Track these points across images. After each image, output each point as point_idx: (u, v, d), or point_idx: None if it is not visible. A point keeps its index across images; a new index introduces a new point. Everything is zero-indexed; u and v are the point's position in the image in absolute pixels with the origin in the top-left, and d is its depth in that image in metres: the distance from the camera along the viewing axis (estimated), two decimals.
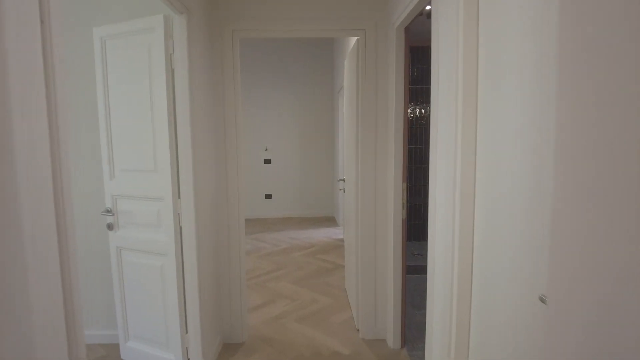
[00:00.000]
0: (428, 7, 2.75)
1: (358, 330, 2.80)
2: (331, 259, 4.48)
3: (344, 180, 3.52)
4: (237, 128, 2.73)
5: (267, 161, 6.63)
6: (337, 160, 6.15)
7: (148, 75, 2.09)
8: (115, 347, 2.55)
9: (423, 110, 4.70)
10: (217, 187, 2.72)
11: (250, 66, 6.46)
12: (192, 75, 2.10)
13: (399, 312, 2.60)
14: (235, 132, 2.73)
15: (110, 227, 2.35)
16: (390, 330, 2.65)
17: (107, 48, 2.20)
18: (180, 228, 2.16)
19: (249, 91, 6.50)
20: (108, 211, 2.32)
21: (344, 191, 3.51)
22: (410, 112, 4.66)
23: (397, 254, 2.56)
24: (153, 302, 2.30)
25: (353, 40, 4.01)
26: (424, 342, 2.42)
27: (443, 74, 1.58)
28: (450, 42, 1.49)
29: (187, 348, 2.24)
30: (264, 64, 6.46)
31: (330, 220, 6.46)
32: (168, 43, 2.05)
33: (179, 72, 2.06)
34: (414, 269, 3.90)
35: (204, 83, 2.39)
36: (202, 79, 2.34)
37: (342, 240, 5.27)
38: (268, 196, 6.69)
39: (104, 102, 2.25)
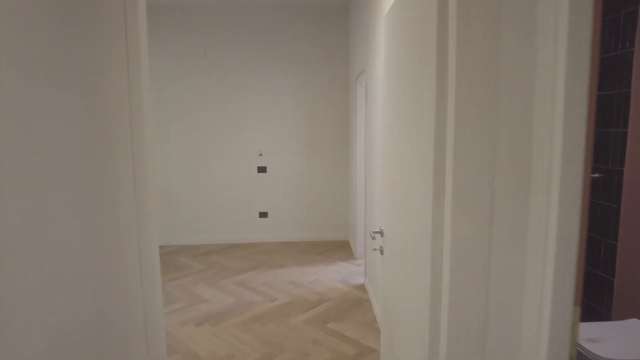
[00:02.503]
0: None
1: None
2: (351, 332, 2.96)
3: (381, 233, 1.99)
4: (134, 115, 1.24)
5: (262, 169, 5.10)
6: (353, 166, 4.61)
7: None
8: None
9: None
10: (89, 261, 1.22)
11: (234, 43, 4.89)
12: None
13: None
14: (131, 125, 1.24)
15: None
16: None
17: None
18: None
19: (232, 77, 4.94)
20: None
21: (382, 253, 1.98)
22: None
23: None
24: None
25: None
26: None
27: None
28: None
29: None
30: (252, 41, 4.89)
31: (344, 248, 4.94)
32: None
33: None
34: None
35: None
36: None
37: (362, 288, 3.76)
38: (263, 214, 5.17)
39: None
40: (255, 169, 5.09)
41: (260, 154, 5.06)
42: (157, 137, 4.98)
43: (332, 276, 4.01)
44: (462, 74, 0.97)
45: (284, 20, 4.86)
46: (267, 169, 5.10)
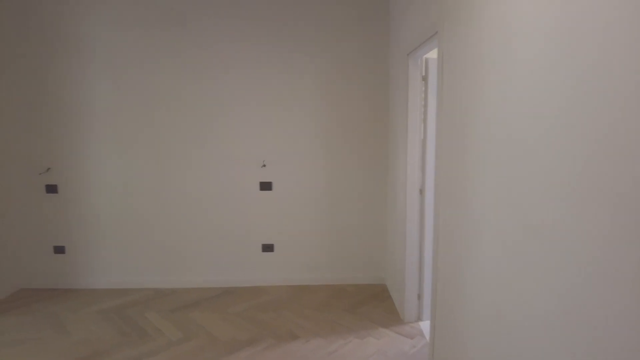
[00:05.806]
0: None
1: None
2: None
3: None
4: None
5: (266, 186, 3.68)
6: (399, 178, 3.17)
7: None
8: None
9: None
10: None
11: (225, 6, 3.46)
12: None
13: None
14: None
15: None
16: None
17: None
18: None
19: (222, 54, 3.51)
20: None
21: None
22: None
23: None
24: None
25: None
26: None
27: None
28: None
29: None
30: (251, 3, 3.46)
31: (382, 300, 3.50)
32: None
33: None
34: None
35: None
36: None
37: None
38: (267, 248, 3.75)
39: None
40: (257, 186, 3.67)
41: (264, 165, 3.63)
42: (114, 141, 3.58)
43: None
44: None
45: None
46: (273, 186, 3.67)
